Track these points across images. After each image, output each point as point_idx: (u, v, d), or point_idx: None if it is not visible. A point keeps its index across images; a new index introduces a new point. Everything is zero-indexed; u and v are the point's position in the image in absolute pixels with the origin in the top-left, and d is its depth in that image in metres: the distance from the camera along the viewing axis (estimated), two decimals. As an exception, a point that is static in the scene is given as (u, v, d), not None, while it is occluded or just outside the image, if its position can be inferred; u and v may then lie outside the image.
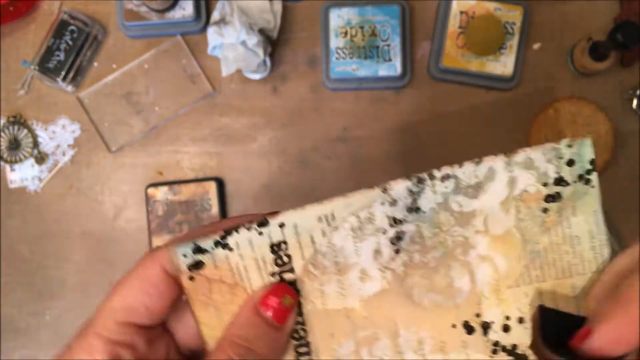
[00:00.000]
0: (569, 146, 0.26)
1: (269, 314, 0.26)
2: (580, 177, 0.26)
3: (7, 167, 0.63)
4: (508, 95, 0.61)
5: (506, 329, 0.27)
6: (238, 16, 0.57)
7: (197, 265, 0.26)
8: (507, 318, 0.27)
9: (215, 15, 0.59)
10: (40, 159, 0.63)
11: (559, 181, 0.26)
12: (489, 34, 0.58)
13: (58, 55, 0.61)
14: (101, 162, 0.63)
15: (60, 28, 0.61)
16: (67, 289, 0.63)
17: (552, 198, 0.27)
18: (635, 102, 0.60)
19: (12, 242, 0.63)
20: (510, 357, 0.27)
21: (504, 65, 0.59)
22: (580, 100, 0.60)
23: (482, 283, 0.27)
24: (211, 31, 0.58)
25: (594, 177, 0.26)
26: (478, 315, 0.27)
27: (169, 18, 0.61)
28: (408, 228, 0.27)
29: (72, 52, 0.61)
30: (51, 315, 0.63)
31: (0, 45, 0.64)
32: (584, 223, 0.27)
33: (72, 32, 0.61)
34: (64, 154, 0.63)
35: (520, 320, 0.27)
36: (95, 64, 0.64)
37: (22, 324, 0.63)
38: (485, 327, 0.27)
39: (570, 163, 0.26)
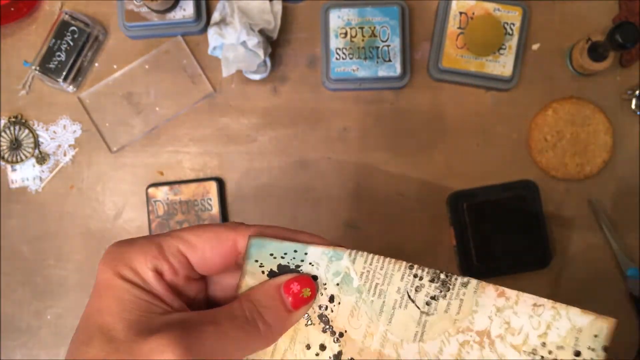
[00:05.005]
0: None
1: (288, 298, 0.29)
2: None
3: (8, 167, 0.64)
4: (507, 95, 0.61)
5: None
6: (238, 17, 0.57)
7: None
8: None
9: (216, 16, 0.59)
10: (41, 159, 0.63)
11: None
12: (488, 35, 0.58)
13: (59, 56, 0.61)
14: (102, 162, 0.63)
15: (61, 28, 0.62)
16: (68, 289, 0.63)
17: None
18: (634, 102, 0.60)
19: (13, 241, 0.64)
20: None
21: (503, 65, 0.59)
22: (579, 101, 0.60)
23: None
24: (211, 32, 0.58)
25: None
26: None
27: (169, 19, 0.61)
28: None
29: (73, 52, 0.61)
30: (52, 314, 0.63)
31: (1, 45, 0.64)
32: None
33: (73, 32, 0.62)
34: (65, 154, 0.64)
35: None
36: (96, 64, 0.64)
37: (23, 324, 0.63)
38: None
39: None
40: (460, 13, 0.59)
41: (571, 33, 0.61)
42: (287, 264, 0.30)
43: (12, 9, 0.62)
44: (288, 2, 0.62)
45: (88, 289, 0.63)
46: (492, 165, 0.61)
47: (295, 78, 0.63)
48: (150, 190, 0.62)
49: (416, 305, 0.29)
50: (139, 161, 0.63)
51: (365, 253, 0.29)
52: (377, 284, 0.29)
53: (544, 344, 0.27)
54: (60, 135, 0.64)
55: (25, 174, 0.64)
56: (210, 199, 0.61)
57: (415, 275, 0.29)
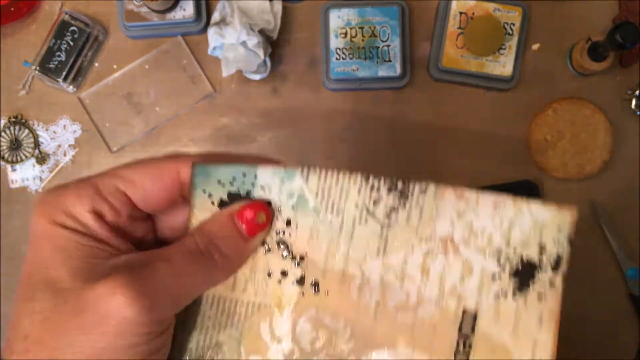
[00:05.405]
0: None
1: (242, 225, 0.27)
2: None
3: (8, 167, 0.64)
4: (507, 95, 0.61)
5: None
6: (238, 17, 0.57)
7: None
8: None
9: (216, 16, 0.59)
10: (41, 159, 0.63)
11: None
12: (488, 35, 0.58)
13: (59, 56, 0.61)
14: (102, 162, 0.63)
15: (61, 29, 0.62)
16: (67, 289, 0.63)
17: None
18: (634, 102, 0.60)
19: (13, 242, 0.64)
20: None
21: (503, 65, 0.59)
22: (579, 101, 0.60)
23: None
24: (211, 32, 0.58)
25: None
26: None
27: (169, 19, 0.61)
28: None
29: (73, 52, 0.61)
30: (52, 314, 0.63)
31: (1, 45, 0.64)
32: None
33: (73, 32, 0.62)
34: (65, 154, 0.64)
35: None
36: (96, 64, 0.64)
37: (23, 324, 0.63)
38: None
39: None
40: (460, 13, 0.59)
41: (571, 33, 0.61)
42: (237, 191, 0.28)
43: (12, 9, 0.62)
44: (288, 2, 0.62)
45: (88, 289, 0.63)
46: (492, 165, 0.61)
47: (295, 78, 0.63)
48: (150, 190, 0.62)
49: (376, 218, 0.28)
50: (139, 161, 0.63)
51: (318, 168, 0.28)
52: (333, 202, 0.28)
53: (508, 243, 0.27)
54: (60, 135, 0.64)
55: (25, 174, 0.64)
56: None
57: (372, 187, 0.27)
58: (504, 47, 0.59)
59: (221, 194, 0.28)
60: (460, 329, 0.27)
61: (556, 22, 0.61)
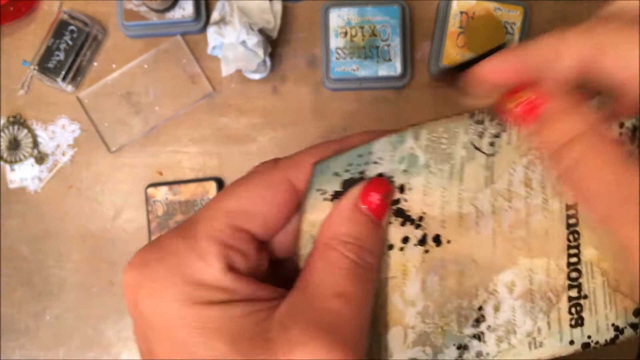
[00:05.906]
0: None
1: (369, 210, 0.24)
2: None
3: (7, 167, 0.63)
4: (508, 95, 0.61)
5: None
6: (238, 16, 0.57)
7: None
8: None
9: (215, 15, 0.59)
10: (40, 159, 0.63)
11: None
12: (488, 34, 0.58)
13: (58, 55, 0.61)
14: (101, 162, 0.63)
15: (60, 28, 0.61)
16: (66, 289, 0.63)
17: None
18: (635, 102, 0.60)
19: (12, 242, 0.63)
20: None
21: (503, 65, 0.59)
22: (580, 101, 0.60)
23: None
24: (211, 31, 0.58)
25: None
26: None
27: (168, 18, 0.61)
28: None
29: (71, 52, 0.61)
30: (51, 315, 0.63)
31: (0, 45, 0.64)
32: None
33: (71, 32, 0.61)
34: (63, 154, 0.63)
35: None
36: (95, 64, 0.64)
37: (21, 324, 0.63)
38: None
39: None
40: (461, 12, 0.59)
41: (572, 33, 0.61)
42: (351, 177, 0.26)
43: (11, 8, 0.62)
44: (288, 1, 0.62)
45: (87, 290, 0.63)
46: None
47: (295, 78, 0.62)
48: (150, 190, 0.62)
49: (482, 151, 0.27)
50: (138, 161, 0.63)
51: (427, 122, 0.27)
52: (443, 150, 0.27)
53: None
54: (59, 135, 0.63)
55: (24, 174, 0.64)
56: (210, 199, 0.61)
57: (477, 122, 0.27)
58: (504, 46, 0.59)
59: (335, 186, 0.25)
60: (567, 224, 0.28)
61: (557, 22, 0.61)
